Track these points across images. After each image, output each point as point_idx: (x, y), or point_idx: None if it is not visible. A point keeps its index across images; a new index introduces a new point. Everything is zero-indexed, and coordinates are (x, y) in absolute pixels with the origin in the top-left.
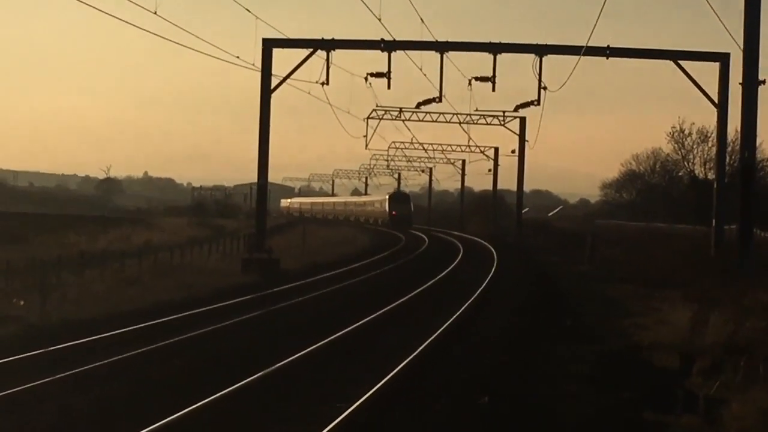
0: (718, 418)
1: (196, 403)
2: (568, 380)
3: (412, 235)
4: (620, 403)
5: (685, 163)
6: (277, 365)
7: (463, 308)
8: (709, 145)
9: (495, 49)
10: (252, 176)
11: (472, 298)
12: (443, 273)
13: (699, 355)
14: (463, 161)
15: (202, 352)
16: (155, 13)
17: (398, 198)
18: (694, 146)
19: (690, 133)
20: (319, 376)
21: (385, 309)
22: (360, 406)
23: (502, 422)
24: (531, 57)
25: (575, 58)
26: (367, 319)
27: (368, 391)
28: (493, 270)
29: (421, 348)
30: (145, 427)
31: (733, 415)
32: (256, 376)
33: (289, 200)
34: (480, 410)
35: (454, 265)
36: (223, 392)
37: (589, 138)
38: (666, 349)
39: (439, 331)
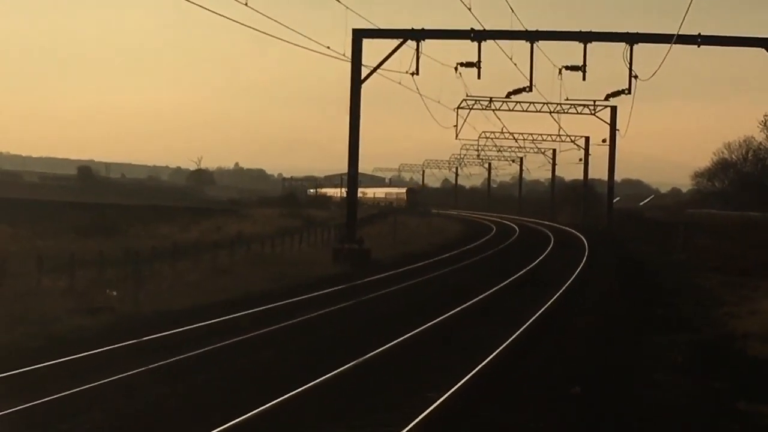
0: None
1: (290, 392)
2: (661, 369)
3: (503, 225)
4: (714, 392)
5: None
6: (370, 354)
7: (553, 299)
8: None
9: (585, 37)
10: (342, 166)
11: (563, 289)
12: (533, 263)
13: None
14: (554, 150)
15: (295, 342)
16: (246, 4)
17: (412, 191)
18: None
19: None
20: (412, 364)
21: (477, 299)
22: (447, 400)
23: (595, 409)
24: (622, 45)
25: (666, 46)
26: (458, 309)
27: (455, 386)
28: (584, 260)
29: (514, 336)
30: (235, 419)
31: None
32: (350, 364)
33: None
34: (573, 399)
35: (544, 255)
36: (321, 379)
37: (681, 127)
38: (759, 338)
39: (531, 320)
